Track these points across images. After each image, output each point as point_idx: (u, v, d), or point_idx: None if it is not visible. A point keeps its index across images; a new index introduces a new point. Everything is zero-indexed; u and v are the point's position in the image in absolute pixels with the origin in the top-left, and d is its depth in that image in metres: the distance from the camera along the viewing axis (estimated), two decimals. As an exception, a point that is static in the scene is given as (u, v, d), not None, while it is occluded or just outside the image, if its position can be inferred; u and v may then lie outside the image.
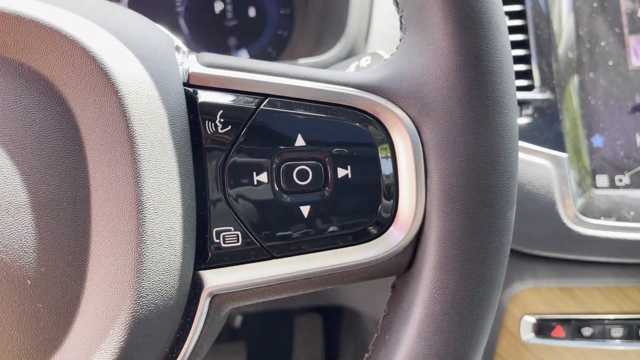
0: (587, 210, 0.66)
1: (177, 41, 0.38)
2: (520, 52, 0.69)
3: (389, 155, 0.36)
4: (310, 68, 0.37)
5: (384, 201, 0.36)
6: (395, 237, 0.36)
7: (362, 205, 0.36)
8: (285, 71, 0.36)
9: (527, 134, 0.67)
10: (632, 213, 0.66)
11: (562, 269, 0.69)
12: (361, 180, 0.36)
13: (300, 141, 0.36)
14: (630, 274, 0.68)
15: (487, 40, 0.33)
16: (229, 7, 0.88)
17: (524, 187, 0.65)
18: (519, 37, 0.69)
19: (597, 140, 0.69)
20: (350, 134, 0.36)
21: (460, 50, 0.33)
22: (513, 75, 0.34)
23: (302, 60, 0.75)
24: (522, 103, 0.68)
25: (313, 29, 0.87)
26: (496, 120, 0.33)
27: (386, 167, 0.36)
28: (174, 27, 0.88)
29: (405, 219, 0.35)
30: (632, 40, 0.69)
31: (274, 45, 0.90)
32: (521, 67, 0.69)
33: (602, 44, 0.69)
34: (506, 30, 0.34)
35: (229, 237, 0.35)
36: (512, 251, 0.69)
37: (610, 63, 0.69)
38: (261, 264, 0.35)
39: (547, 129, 0.67)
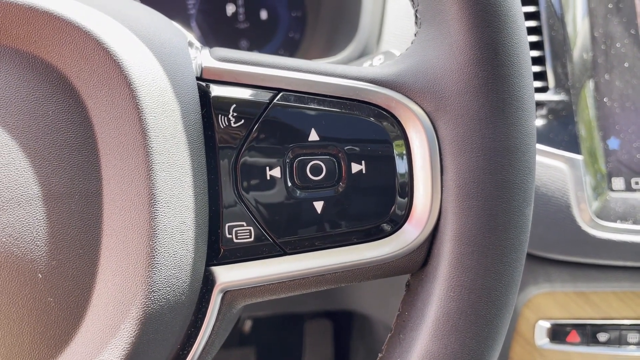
0: (603, 214, 0.65)
1: (190, 36, 0.38)
2: (534, 53, 0.68)
3: (404, 151, 0.35)
4: (324, 63, 0.37)
5: (399, 198, 0.35)
6: (410, 234, 0.35)
7: (377, 202, 0.35)
8: (298, 66, 0.36)
9: (541, 135, 0.66)
10: (649, 216, 0.65)
11: (577, 273, 0.68)
12: (376, 176, 0.35)
13: (313, 136, 0.35)
14: (648, 278, 0.67)
15: (504, 34, 0.33)
16: (241, 10, 0.88)
17: (538, 189, 0.65)
18: (533, 38, 0.68)
19: (613, 143, 0.68)
20: (364, 129, 0.35)
21: (476, 44, 0.32)
22: (531, 69, 0.34)
23: (314, 62, 0.75)
24: (536, 104, 0.67)
25: (325, 31, 0.87)
26: (513, 114, 0.33)
27: (401, 163, 0.35)
28: (186, 30, 0.88)
29: (421, 215, 0.35)
30: (648, 42, 0.68)
31: (285, 47, 0.90)
32: (535, 69, 0.68)
33: (618, 45, 0.69)
34: (523, 24, 0.34)
35: (241, 232, 0.34)
36: (527, 254, 0.68)
37: (626, 65, 0.68)
38: (274, 260, 0.35)
39: (561, 130, 0.66)
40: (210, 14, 0.88)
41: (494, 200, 0.33)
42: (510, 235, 0.33)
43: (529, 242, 0.65)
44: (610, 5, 0.69)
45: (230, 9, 0.88)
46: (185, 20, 0.88)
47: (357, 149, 0.35)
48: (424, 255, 0.35)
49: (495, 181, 0.33)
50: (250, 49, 0.89)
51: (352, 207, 0.35)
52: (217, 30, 0.89)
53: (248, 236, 0.35)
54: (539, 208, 0.64)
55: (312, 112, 0.35)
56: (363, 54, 0.74)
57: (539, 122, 0.66)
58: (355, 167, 0.35)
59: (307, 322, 1.23)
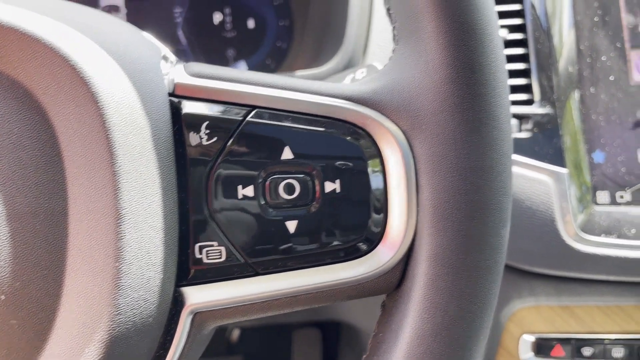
0: (588, 227, 0.65)
1: (165, 50, 0.37)
2: (520, 66, 0.68)
3: (379, 169, 0.35)
4: (300, 79, 0.36)
5: (374, 217, 0.35)
6: (385, 254, 0.34)
7: (351, 221, 0.35)
8: (273, 82, 0.35)
9: (526, 148, 0.65)
10: (633, 230, 0.65)
11: (562, 287, 0.67)
12: (350, 195, 0.35)
13: (287, 154, 0.35)
14: (632, 293, 0.66)
15: (481, 53, 0.32)
16: (228, 19, 0.88)
17: (523, 203, 0.64)
18: (518, 50, 0.68)
19: (598, 156, 0.67)
20: (339, 147, 0.35)
21: (452, 63, 0.32)
22: (507, 89, 0.33)
23: (299, 72, 0.74)
24: (521, 117, 0.67)
25: (312, 41, 0.87)
26: (489, 134, 0.32)
27: (376, 182, 0.35)
28: (172, 38, 0.87)
29: (396, 235, 0.34)
30: (633, 56, 0.68)
31: (273, 56, 0.89)
32: (521, 81, 0.68)
33: (603, 58, 0.68)
34: (501, 43, 0.33)
35: (212, 252, 0.34)
36: (511, 268, 0.68)
37: (612, 78, 0.68)
38: (245, 280, 0.34)
39: (547, 143, 0.66)
40: (196, 22, 0.88)
41: (469, 221, 0.32)
42: (485, 257, 0.32)
43: (514, 256, 0.65)
44: (596, 19, 0.69)
45: (217, 17, 0.88)
46: (171, 29, 0.87)
47: (331, 167, 0.35)
48: (398, 275, 0.35)
49: (470, 201, 0.32)
50: (237, 58, 0.89)
51: (325, 226, 0.35)
52: (203, 39, 0.88)
53: (219, 256, 0.34)
54: (524, 222, 0.64)
55: (286, 130, 0.35)
56: (349, 64, 0.74)
57: (524, 135, 0.66)
58: (330, 186, 0.35)
59: (296, 331, 1.22)
